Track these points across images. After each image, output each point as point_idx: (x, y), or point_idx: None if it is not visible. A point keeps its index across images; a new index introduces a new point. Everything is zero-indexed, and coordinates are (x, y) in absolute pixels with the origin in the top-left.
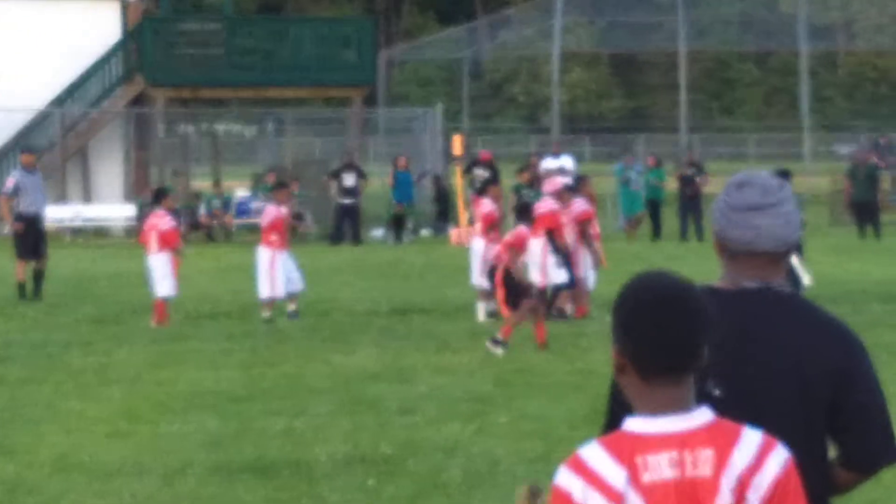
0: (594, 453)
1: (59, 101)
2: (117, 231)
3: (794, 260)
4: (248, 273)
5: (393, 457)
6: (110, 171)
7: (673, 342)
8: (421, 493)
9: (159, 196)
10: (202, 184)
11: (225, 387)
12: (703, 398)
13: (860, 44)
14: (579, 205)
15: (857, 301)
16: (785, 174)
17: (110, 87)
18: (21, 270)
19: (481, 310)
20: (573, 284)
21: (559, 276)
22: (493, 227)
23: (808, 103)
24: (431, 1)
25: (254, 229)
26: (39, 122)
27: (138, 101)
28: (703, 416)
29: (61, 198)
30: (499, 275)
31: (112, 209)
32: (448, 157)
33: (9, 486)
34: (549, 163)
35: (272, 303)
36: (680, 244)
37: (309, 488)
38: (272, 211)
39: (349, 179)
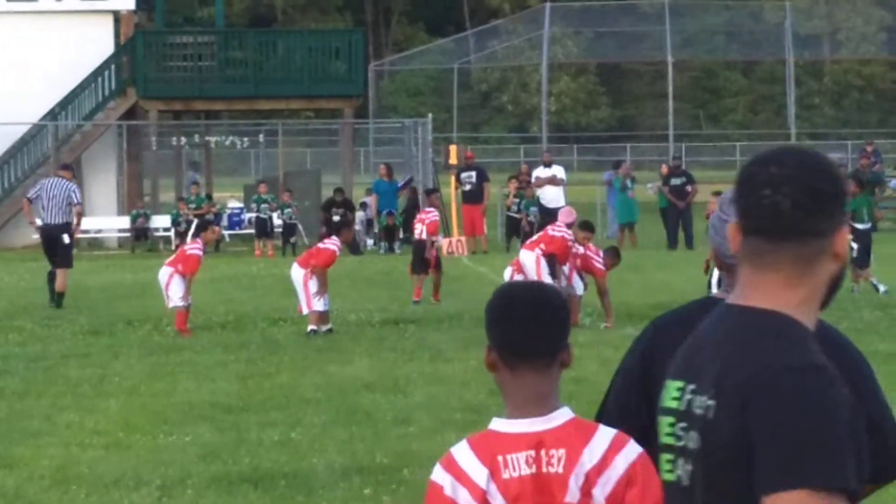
0: (463, 452)
1: (53, 114)
2: (111, 242)
3: None
4: (241, 284)
5: (389, 467)
6: (104, 183)
7: (525, 326)
8: (418, 502)
9: (200, 228)
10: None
11: (221, 398)
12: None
13: (845, 52)
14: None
15: (848, 308)
16: None
17: (103, 100)
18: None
19: None
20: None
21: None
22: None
23: (794, 111)
24: (420, 12)
25: (246, 240)
26: (33, 135)
27: (131, 113)
28: (561, 416)
29: None
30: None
31: (106, 221)
32: (439, 167)
33: (9, 498)
34: (540, 171)
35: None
36: (669, 253)
37: (306, 499)
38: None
39: (338, 217)
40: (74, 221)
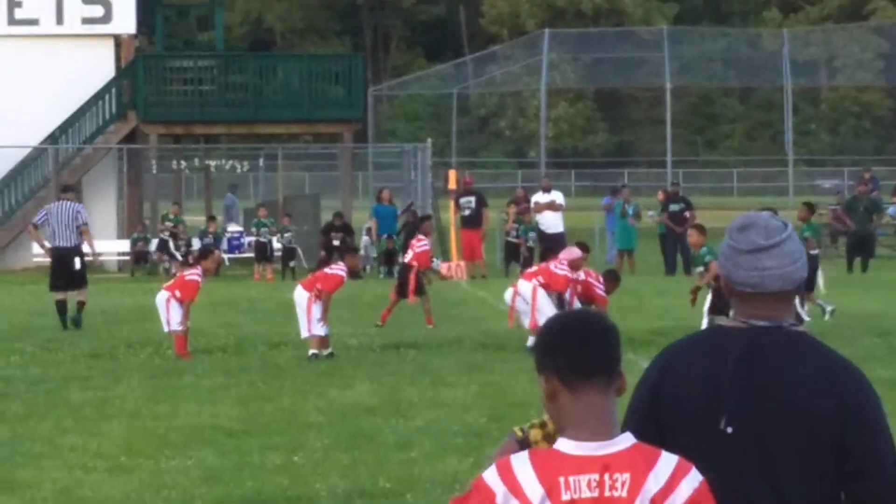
0: (523, 465)
1: (53, 137)
2: (111, 266)
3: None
4: (241, 308)
5: (392, 491)
6: (104, 206)
7: (588, 344)
8: None
9: (202, 255)
10: (196, 219)
11: (223, 421)
12: (715, 435)
13: (841, 79)
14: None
15: (847, 336)
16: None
17: (104, 123)
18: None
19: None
20: None
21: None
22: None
23: (791, 138)
24: (419, 38)
25: (245, 264)
26: (34, 158)
27: (131, 137)
28: (624, 441)
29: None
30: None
31: (105, 245)
32: (438, 191)
33: None
34: (539, 197)
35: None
36: (667, 279)
37: None
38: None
39: (337, 241)
40: (84, 242)
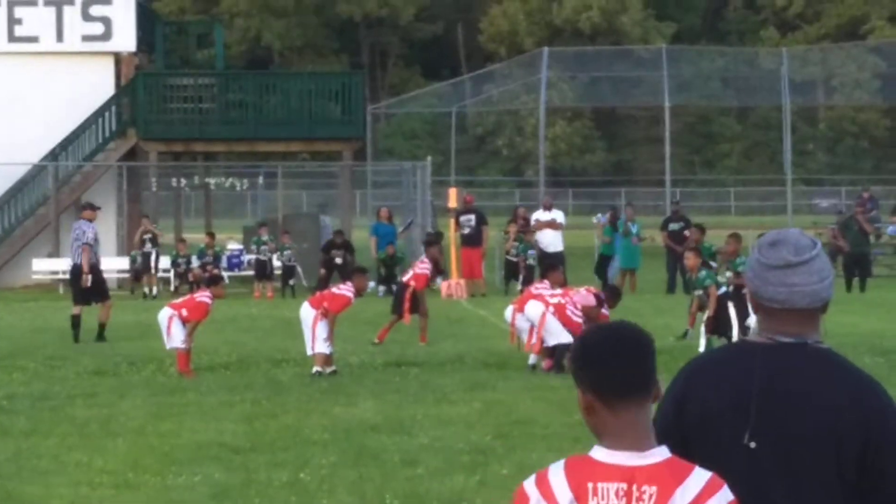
0: (556, 472)
1: (53, 154)
2: (110, 283)
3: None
4: (242, 325)
5: None
6: (103, 224)
7: (626, 362)
8: None
9: (212, 281)
10: (195, 236)
11: (228, 438)
12: (740, 450)
13: (839, 98)
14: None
15: (848, 355)
16: (700, 228)
17: (104, 141)
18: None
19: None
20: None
21: (563, 335)
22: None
23: (790, 157)
24: (416, 56)
25: (245, 282)
26: (34, 175)
27: (131, 154)
28: (658, 455)
29: (55, 250)
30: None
31: (105, 262)
32: (438, 210)
33: None
34: (540, 215)
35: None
36: (668, 297)
37: None
38: (347, 297)
39: (338, 258)
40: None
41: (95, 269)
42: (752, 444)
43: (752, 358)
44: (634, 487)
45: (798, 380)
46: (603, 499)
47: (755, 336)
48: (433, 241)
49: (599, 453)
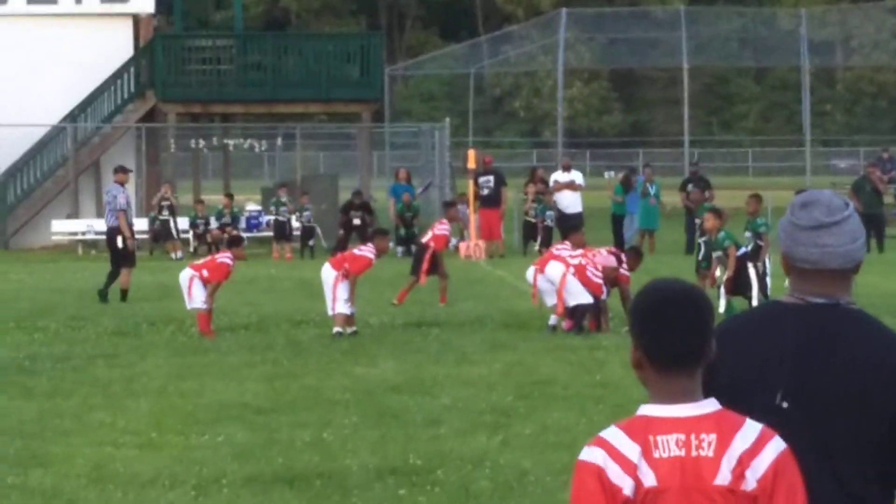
0: (613, 433)
1: (72, 116)
2: None
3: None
4: (261, 286)
5: (422, 468)
6: None
7: (679, 336)
8: (453, 503)
9: (233, 242)
10: (214, 198)
11: (250, 399)
12: (771, 410)
13: (857, 59)
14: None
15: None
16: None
17: (122, 102)
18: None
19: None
20: (596, 305)
21: (583, 296)
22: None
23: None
24: (434, 17)
25: (263, 243)
26: (53, 136)
27: (150, 116)
28: (710, 406)
29: (74, 211)
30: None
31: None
32: (457, 171)
33: (46, 496)
34: (559, 175)
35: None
36: (686, 258)
37: (342, 499)
38: (369, 258)
39: (357, 220)
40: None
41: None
42: (785, 405)
43: (784, 319)
44: (693, 436)
45: (831, 341)
46: (664, 451)
47: (787, 297)
48: (452, 203)
49: (650, 409)
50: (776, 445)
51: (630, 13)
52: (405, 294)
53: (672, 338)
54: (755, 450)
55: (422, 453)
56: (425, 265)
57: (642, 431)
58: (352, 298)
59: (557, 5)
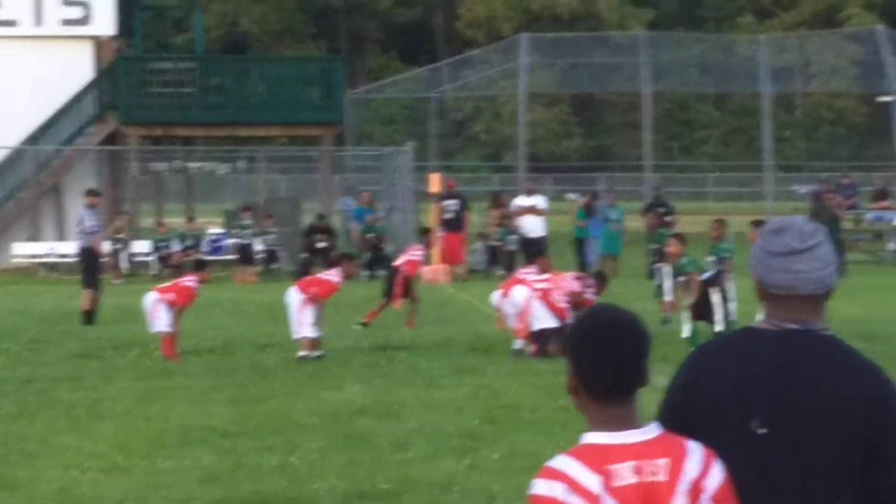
0: (568, 463)
1: (33, 138)
2: None
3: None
4: (225, 309)
5: (390, 492)
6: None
7: (615, 367)
8: None
9: (199, 266)
10: (176, 221)
11: (216, 422)
12: (747, 436)
13: (817, 85)
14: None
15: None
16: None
17: (83, 125)
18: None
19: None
20: (561, 330)
21: (548, 320)
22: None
23: (770, 144)
24: (394, 41)
25: (226, 266)
26: (13, 159)
27: (111, 139)
28: (654, 430)
29: (35, 234)
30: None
31: None
32: (421, 195)
33: None
34: (522, 200)
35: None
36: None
37: None
38: (335, 282)
39: (320, 243)
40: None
41: (96, 256)
42: (761, 431)
43: (759, 345)
44: (645, 462)
45: (805, 367)
46: (622, 479)
47: (762, 323)
48: (429, 230)
49: (599, 438)
50: (719, 467)
51: (590, 38)
52: (375, 314)
53: (607, 368)
54: (705, 472)
55: (390, 477)
56: (398, 289)
57: (599, 461)
58: (318, 322)
59: (518, 30)
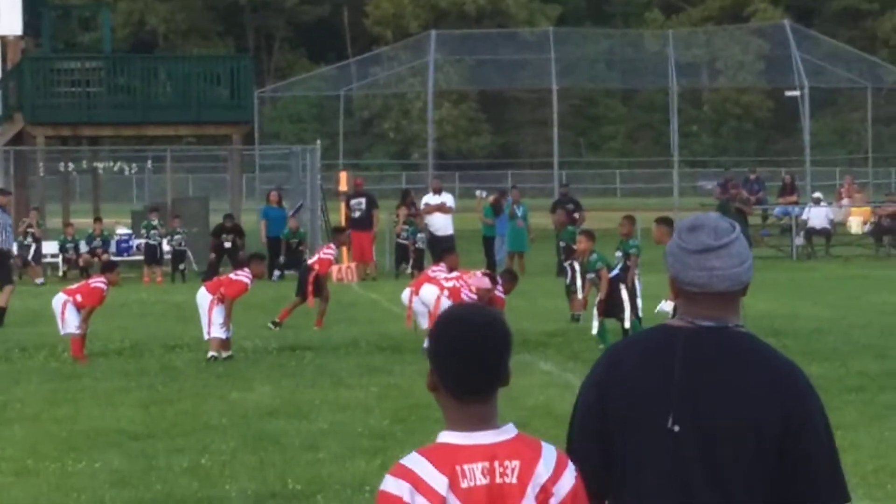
0: (418, 462)
1: None
2: None
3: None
4: (133, 311)
5: (302, 493)
6: None
7: (475, 367)
8: None
9: (107, 268)
10: (82, 221)
11: (125, 424)
12: (662, 434)
13: (723, 80)
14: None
15: None
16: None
17: None
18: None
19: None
20: None
21: None
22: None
23: (677, 139)
24: (302, 39)
25: (134, 267)
26: None
27: (18, 139)
28: (509, 431)
29: None
30: None
31: None
32: (328, 193)
33: None
34: (430, 198)
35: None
36: (557, 279)
37: None
38: (244, 282)
39: (228, 243)
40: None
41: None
42: (676, 428)
43: (673, 342)
44: (497, 464)
45: (719, 364)
46: (471, 480)
47: (677, 320)
48: (341, 230)
49: (452, 437)
50: (572, 471)
51: (498, 34)
52: (287, 313)
53: (464, 366)
54: (556, 476)
55: (301, 478)
56: (310, 287)
57: (449, 461)
58: (227, 323)
59: (425, 27)
